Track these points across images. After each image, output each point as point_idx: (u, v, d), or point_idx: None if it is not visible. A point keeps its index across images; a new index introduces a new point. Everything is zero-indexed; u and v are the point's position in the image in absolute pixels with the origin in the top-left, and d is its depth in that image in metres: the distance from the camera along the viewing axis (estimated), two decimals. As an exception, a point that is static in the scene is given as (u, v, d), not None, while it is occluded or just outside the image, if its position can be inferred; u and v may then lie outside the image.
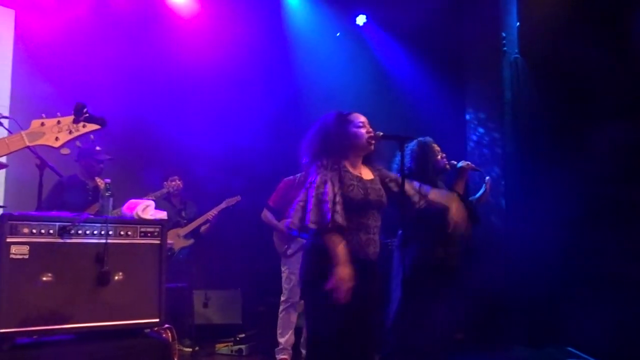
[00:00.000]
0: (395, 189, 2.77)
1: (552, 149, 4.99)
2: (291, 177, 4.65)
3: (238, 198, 5.22)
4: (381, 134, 2.78)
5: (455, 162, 3.56)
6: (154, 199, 4.29)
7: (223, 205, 5.23)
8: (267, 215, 4.59)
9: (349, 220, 2.58)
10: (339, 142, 2.70)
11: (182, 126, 5.91)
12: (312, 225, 2.47)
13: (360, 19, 6.52)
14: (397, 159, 3.25)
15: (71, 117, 1.50)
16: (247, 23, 6.21)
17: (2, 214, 2.69)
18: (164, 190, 5.10)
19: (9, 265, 2.59)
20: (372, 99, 6.07)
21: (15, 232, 2.63)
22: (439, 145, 3.56)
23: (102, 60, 5.78)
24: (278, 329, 4.49)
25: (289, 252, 4.47)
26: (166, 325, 3.12)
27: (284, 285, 4.54)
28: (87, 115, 1.49)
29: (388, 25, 6.28)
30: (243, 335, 5.24)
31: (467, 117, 5.70)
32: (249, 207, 5.11)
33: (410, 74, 5.85)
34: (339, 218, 2.47)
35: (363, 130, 2.72)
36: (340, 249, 2.45)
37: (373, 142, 2.72)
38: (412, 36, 5.94)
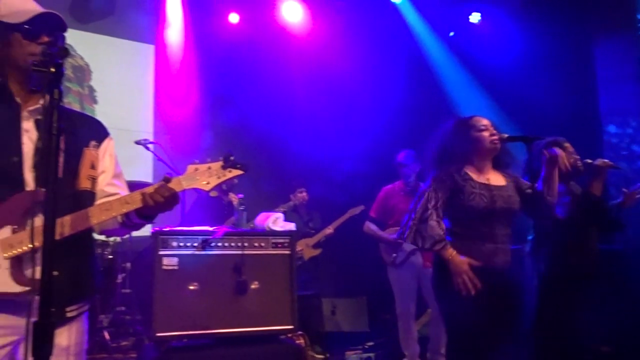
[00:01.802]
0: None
1: None
2: (390, 185, 4.65)
3: (362, 207, 5.28)
4: (506, 136, 2.71)
5: (591, 161, 3.29)
6: (282, 211, 4.52)
7: (347, 215, 5.34)
8: (370, 226, 4.61)
9: (472, 229, 2.56)
10: (460, 148, 2.67)
11: (305, 140, 6.14)
12: (416, 242, 2.57)
13: (475, 17, 6.31)
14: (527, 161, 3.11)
15: (220, 163, 1.75)
16: (360, 32, 6.30)
17: (154, 230, 3.01)
18: (291, 203, 5.34)
19: (161, 275, 2.89)
20: (495, 100, 5.85)
21: (165, 245, 2.94)
22: (572, 145, 3.31)
23: (229, 84, 6.24)
24: (400, 340, 4.46)
25: (398, 260, 4.44)
26: (299, 332, 3.27)
27: (396, 296, 4.50)
28: (233, 161, 1.73)
29: (506, 23, 6.01)
30: (372, 343, 5.28)
31: (601, 112, 5.26)
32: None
33: (535, 70, 5.53)
34: (439, 231, 2.53)
35: (486, 134, 2.66)
36: (450, 252, 2.50)
37: (497, 144, 2.65)
38: (536, 28, 5.63)
